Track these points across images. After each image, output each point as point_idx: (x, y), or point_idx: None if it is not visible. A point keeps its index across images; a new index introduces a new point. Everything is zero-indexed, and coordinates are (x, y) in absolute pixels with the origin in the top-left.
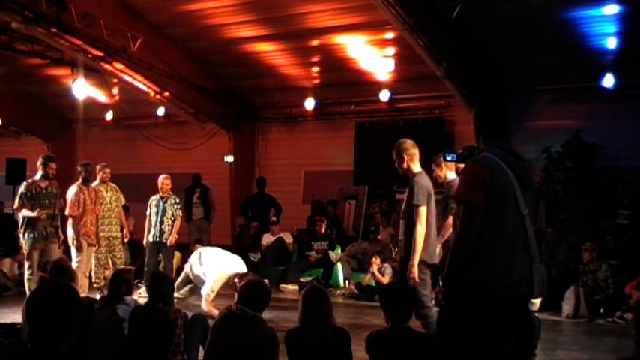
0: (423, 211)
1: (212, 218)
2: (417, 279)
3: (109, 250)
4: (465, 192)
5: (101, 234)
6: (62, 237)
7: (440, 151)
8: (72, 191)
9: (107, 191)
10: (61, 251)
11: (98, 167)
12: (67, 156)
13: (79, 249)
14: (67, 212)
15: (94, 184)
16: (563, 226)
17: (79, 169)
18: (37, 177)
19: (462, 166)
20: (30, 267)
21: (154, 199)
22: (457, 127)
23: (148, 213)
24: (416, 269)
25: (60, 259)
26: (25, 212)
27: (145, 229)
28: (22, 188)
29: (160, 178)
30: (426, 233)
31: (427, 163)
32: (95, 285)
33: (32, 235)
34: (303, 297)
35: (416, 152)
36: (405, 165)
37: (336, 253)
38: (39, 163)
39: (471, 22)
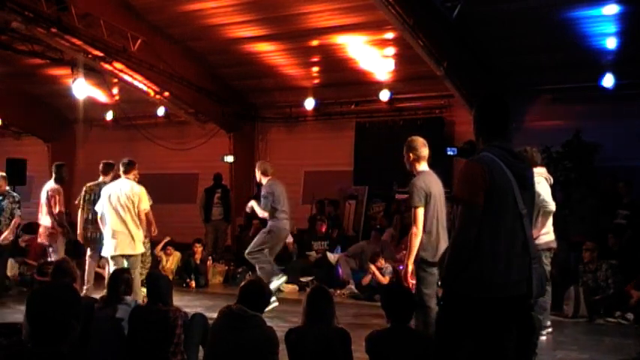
0: (416, 212)
1: (231, 219)
2: (409, 279)
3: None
4: (465, 191)
5: None
6: None
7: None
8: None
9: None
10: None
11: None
12: (67, 156)
13: None
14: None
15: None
16: (564, 226)
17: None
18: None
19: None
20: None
21: None
22: (457, 127)
23: None
24: (409, 269)
25: (62, 259)
26: None
27: None
28: None
29: None
30: (427, 232)
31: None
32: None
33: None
34: (308, 297)
35: (424, 152)
36: (410, 162)
37: (335, 254)
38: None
39: (470, 22)
